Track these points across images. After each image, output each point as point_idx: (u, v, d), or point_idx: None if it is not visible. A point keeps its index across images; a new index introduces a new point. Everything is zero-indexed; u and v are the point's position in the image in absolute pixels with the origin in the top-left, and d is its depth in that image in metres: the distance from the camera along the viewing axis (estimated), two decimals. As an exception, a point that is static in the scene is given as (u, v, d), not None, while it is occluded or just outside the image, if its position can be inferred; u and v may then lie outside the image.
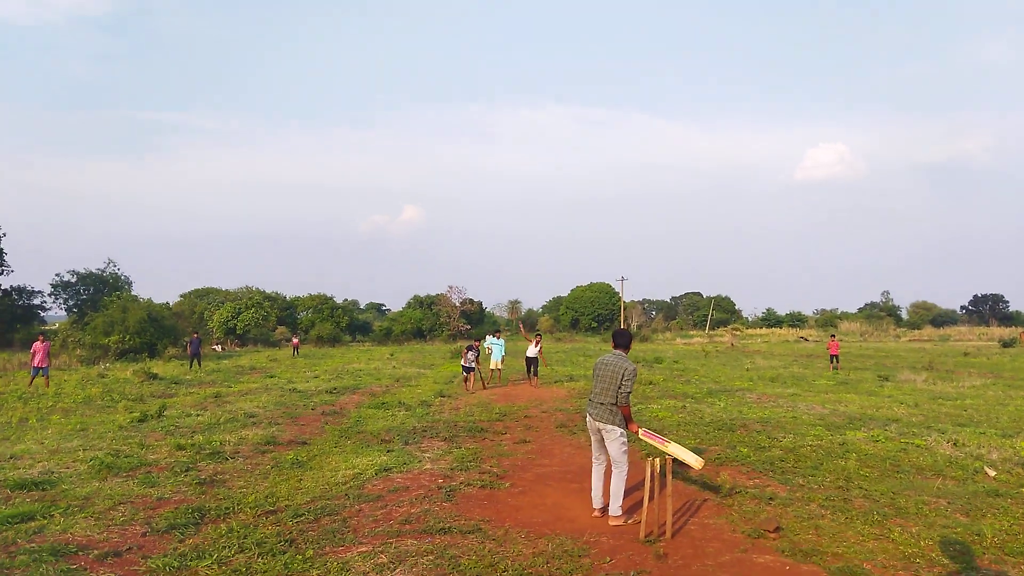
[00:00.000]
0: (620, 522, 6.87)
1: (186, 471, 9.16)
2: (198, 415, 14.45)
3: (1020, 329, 71.55)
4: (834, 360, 29.25)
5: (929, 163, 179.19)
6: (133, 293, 50.09)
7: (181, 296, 76.90)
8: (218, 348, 54.73)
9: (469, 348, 20.60)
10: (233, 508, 7.44)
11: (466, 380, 20.36)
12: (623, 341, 7.39)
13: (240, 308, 67.37)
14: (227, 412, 14.85)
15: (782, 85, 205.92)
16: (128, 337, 38.22)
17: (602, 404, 7.02)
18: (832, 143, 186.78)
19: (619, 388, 6.90)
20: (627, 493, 7.21)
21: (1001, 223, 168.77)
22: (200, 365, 30.22)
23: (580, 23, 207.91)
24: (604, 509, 7.16)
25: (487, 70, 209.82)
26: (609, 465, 7.14)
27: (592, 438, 7.31)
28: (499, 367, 22.07)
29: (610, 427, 6.96)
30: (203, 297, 75.32)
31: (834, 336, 33.21)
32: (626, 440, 7.02)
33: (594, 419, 7.07)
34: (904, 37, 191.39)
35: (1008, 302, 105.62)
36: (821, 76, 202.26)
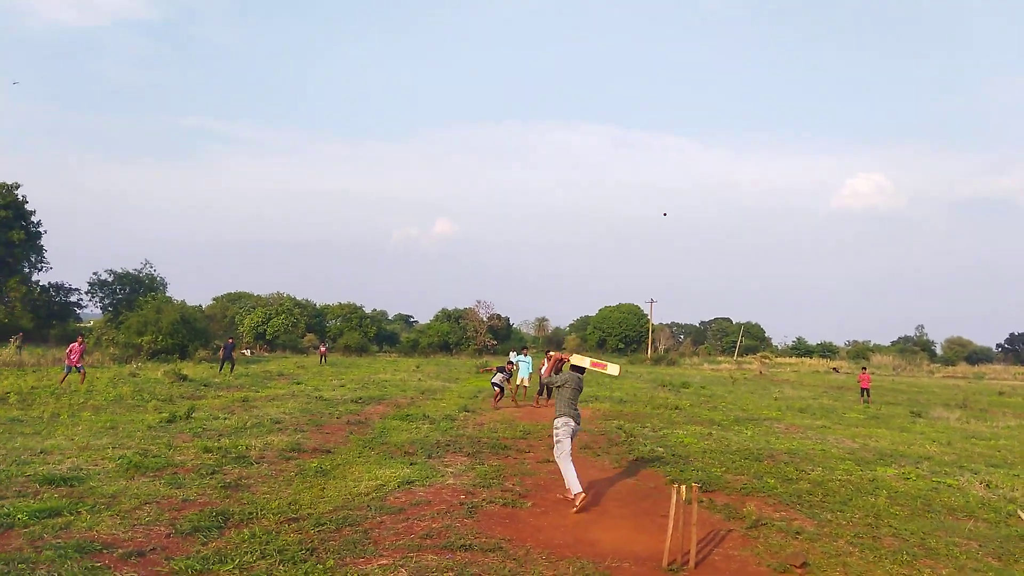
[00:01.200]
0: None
1: (212, 474, 9.23)
2: (225, 418, 14.59)
3: None
4: (865, 393, 28.81)
5: (968, 198, 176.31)
6: (167, 295, 50.82)
7: (214, 299, 78.08)
8: (247, 352, 55.27)
9: (500, 369, 20.68)
10: (256, 513, 7.48)
11: (495, 397, 20.30)
12: (582, 370, 9.19)
13: (271, 314, 68.14)
14: (254, 417, 14.97)
15: (823, 113, 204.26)
16: (160, 338, 38.72)
17: (578, 412, 8.80)
18: (871, 173, 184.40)
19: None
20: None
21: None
22: (232, 369, 30.48)
23: (618, 44, 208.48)
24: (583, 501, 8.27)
25: (524, 88, 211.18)
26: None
27: (572, 441, 8.68)
28: (525, 384, 21.99)
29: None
30: (235, 301, 76.36)
31: (865, 369, 32.74)
32: None
33: (578, 423, 8.74)
34: (947, 71, 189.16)
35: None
36: (862, 106, 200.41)
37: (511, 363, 22.09)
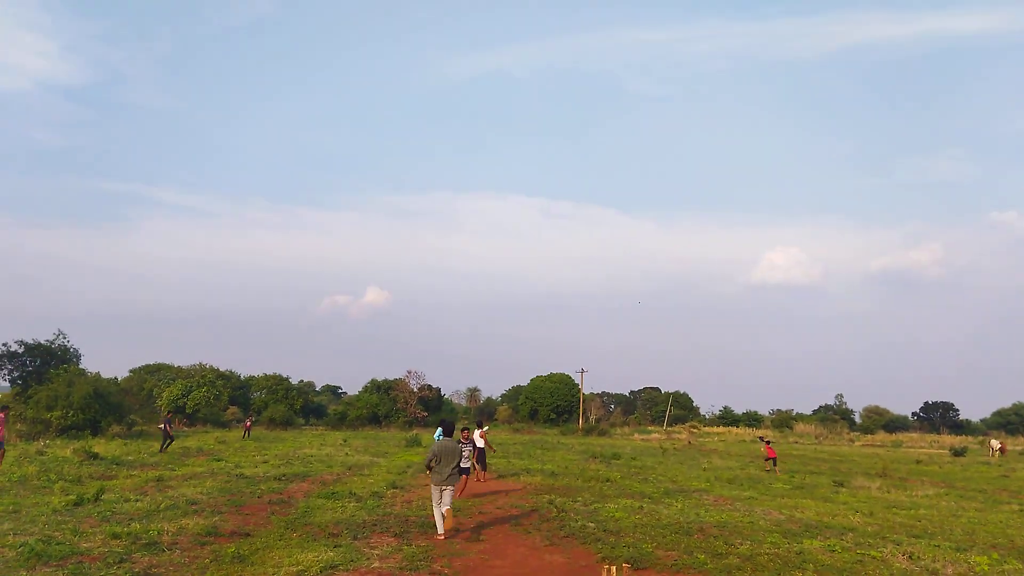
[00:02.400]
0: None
1: (120, 562, 8.70)
2: (137, 500, 13.85)
3: (971, 438, 72.54)
4: (772, 462, 29.41)
5: (882, 272, 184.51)
6: (81, 367, 48.60)
7: (131, 371, 74.89)
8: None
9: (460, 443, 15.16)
10: (166, 606, 7.04)
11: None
12: (449, 430, 13.01)
13: (191, 386, 65.63)
14: (168, 498, 14.25)
15: (741, 188, 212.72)
16: (71, 413, 36.85)
17: (451, 474, 11.46)
18: (788, 247, 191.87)
19: (460, 461, 11.81)
20: None
21: (951, 333, 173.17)
22: (163, 448, 28.75)
23: (547, 115, 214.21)
24: (445, 532, 11.26)
25: (454, 159, 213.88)
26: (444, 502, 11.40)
27: (437, 494, 11.39)
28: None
29: (453, 487, 11.62)
30: (153, 373, 73.39)
31: (769, 442, 34.57)
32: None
33: (446, 483, 11.39)
34: (859, 151, 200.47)
35: (958, 410, 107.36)
36: (779, 183, 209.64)
37: (465, 431, 17.34)
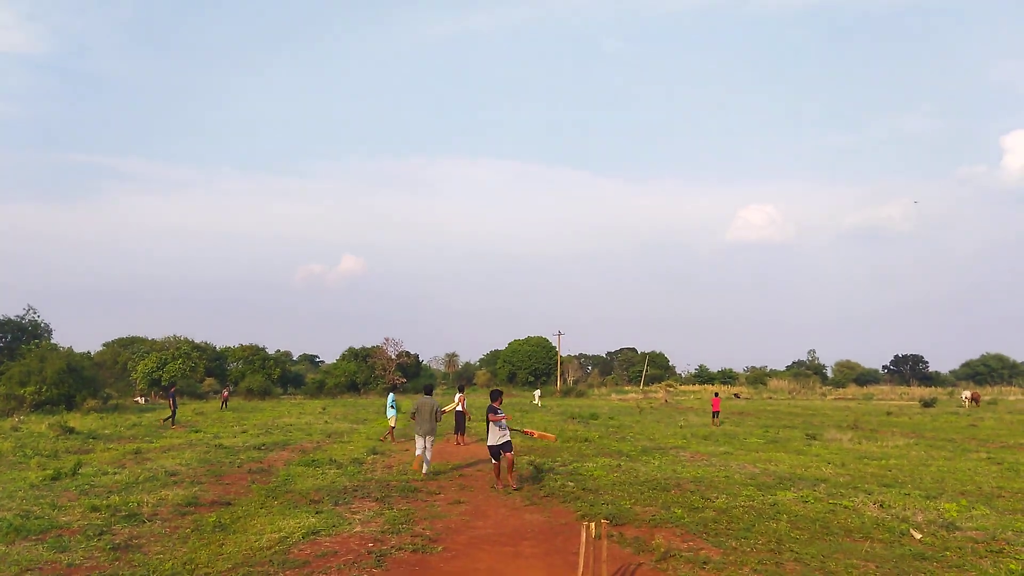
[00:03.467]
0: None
1: (100, 535, 8.69)
2: (115, 473, 13.80)
3: (940, 390, 74.19)
4: (715, 416, 30.91)
5: (854, 228, 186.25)
6: (53, 342, 48.11)
7: (104, 345, 74.23)
8: (140, 400, 52.69)
9: (491, 410, 13.83)
10: (149, 576, 7.05)
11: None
12: (430, 391, 15.00)
13: (166, 359, 65.16)
14: (147, 470, 14.22)
15: (713, 149, 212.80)
16: (45, 388, 36.53)
17: (428, 423, 13.85)
18: (762, 204, 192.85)
19: (436, 414, 14.07)
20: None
21: (920, 288, 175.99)
22: (172, 418, 28.80)
23: (517, 78, 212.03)
24: (424, 475, 13.67)
25: (427, 123, 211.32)
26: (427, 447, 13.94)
27: (420, 442, 13.96)
28: (393, 424, 21.61)
29: (432, 437, 13.98)
30: (127, 346, 72.74)
31: (717, 395, 36.08)
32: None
33: (427, 434, 13.83)
34: (828, 108, 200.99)
35: (927, 363, 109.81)
36: (750, 141, 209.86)
37: (462, 394, 21.41)
